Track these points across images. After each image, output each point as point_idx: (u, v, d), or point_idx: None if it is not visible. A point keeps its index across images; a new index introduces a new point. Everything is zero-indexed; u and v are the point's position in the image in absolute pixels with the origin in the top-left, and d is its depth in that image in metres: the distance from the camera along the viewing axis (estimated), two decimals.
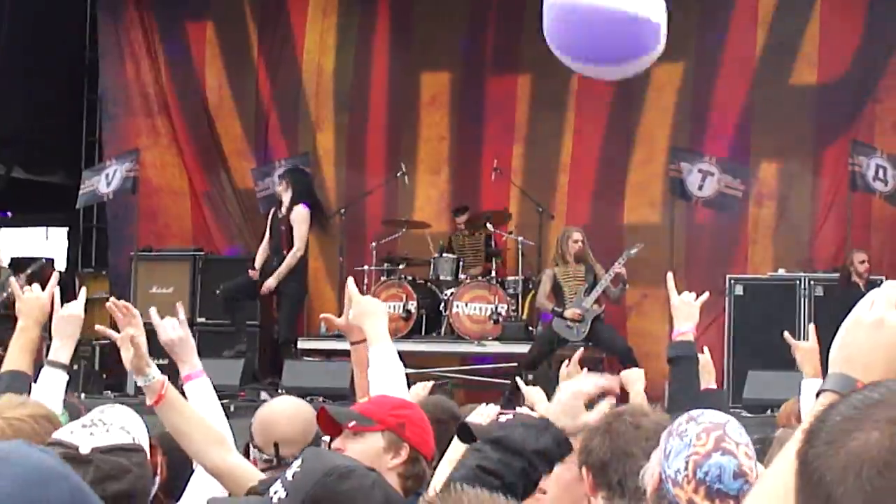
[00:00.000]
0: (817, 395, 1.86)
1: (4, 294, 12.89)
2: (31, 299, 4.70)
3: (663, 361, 12.37)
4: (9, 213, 15.92)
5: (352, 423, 3.65)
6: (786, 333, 5.58)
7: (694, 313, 4.98)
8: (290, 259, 12.78)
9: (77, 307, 4.68)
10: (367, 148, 14.95)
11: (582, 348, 7.08)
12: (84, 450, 2.75)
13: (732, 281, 12.74)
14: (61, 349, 4.57)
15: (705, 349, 5.32)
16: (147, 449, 3.04)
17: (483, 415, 4.70)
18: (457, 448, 3.57)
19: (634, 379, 5.66)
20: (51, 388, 4.41)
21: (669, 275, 5.30)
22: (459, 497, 2.67)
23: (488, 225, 13.55)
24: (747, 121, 13.89)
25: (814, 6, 13.73)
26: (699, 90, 14.06)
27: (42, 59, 15.45)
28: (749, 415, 11.03)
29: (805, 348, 5.40)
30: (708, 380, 5.23)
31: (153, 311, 4.40)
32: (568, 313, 12.15)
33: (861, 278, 12.18)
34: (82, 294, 4.78)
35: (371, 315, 4.42)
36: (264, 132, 15.18)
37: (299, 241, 12.80)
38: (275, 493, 2.87)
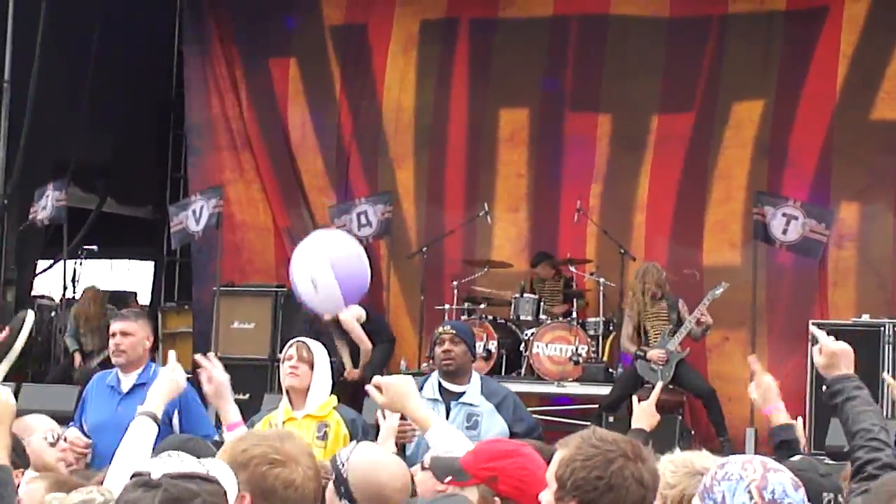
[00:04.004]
0: None
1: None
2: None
3: (744, 405, 12.31)
4: (95, 247, 16.14)
5: (448, 479, 3.83)
6: (885, 374, 5.63)
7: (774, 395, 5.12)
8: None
9: (181, 376, 4.93)
10: (445, 185, 14.93)
11: (660, 383, 7.12)
12: (155, 475, 2.96)
13: (815, 326, 12.56)
14: (153, 402, 4.80)
15: (798, 419, 5.35)
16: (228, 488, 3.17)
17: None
18: None
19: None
20: (141, 437, 4.63)
21: (752, 357, 5.40)
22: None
23: (570, 266, 13.59)
24: (827, 158, 13.61)
25: None
26: (778, 127, 13.80)
27: (131, 94, 15.67)
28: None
29: None
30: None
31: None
32: (652, 354, 12.03)
33: None
34: (178, 366, 5.00)
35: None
36: (345, 169, 15.22)
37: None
38: None
